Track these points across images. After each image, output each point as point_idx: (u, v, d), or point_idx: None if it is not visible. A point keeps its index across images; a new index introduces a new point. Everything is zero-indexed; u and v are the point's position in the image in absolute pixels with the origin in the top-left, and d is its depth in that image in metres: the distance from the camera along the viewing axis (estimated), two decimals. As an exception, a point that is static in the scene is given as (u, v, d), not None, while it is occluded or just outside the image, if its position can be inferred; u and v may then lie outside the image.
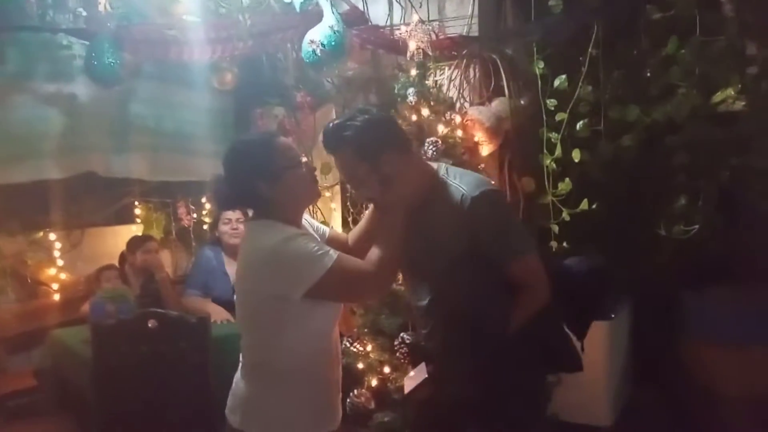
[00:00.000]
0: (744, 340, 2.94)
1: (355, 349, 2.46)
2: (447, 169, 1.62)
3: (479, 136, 2.68)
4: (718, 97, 2.49)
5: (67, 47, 2.91)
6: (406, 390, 1.67)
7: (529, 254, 1.56)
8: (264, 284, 1.46)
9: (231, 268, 3.18)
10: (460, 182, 1.55)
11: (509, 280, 1.53)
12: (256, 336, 1.56)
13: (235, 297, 1.60)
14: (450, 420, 1.62)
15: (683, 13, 2.30)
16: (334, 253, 1.43)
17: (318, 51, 2.52)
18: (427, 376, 1.67)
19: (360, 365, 2.42)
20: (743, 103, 2.55)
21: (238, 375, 1.62)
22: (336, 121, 1.56)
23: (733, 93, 2.49)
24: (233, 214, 3.21)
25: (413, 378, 1.69)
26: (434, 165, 1.65)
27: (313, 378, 1.54)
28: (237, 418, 1.56)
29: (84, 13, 2.86)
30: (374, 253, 1.48)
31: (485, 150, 2.73)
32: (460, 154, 2.48)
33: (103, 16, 2.73)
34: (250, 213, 1.67)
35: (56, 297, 3.57)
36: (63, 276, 3.65)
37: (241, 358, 1.62)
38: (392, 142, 1.56)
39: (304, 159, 1.69)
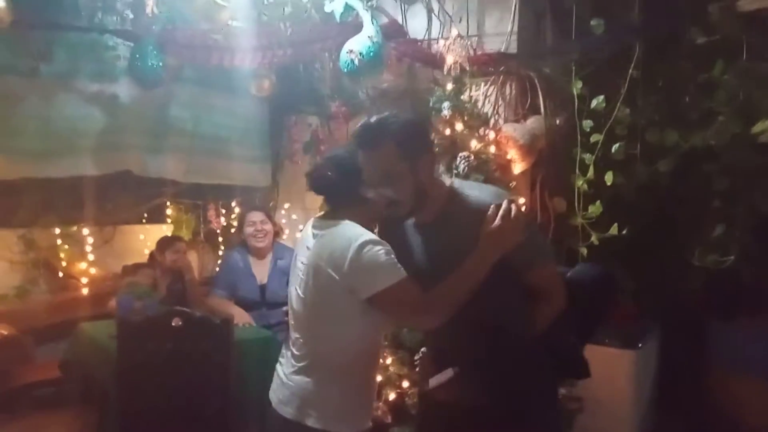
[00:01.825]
0: None
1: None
2: (460, 183, 1.63)
3: (512, 153, 2.66)
4: (758, 126, 2.43)
5: (112, 48, 2.98)
6: (431, 384, 1.65)
7: (549, 262, 1.57)
8: (344, 274, 1.52)
9: (257, 269, 3.25)
10: (479, 193, 1.55)
11: (528, 288, 1.54)
12: (321, 327, 1.62)
13: (294, 289, 1.67)
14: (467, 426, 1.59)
15: (729, 37, 2.26)
16: (404, 271, 1.51)
17: (356, 60, 2.55)
18: (453, 375, 1.64)
19: (378, 378, 2.40)
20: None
21: (285, 369, 1.68)
22: (375, 117, 1.51)
23: (773, 124, 2.43)
24: (258, 216, 3.26)
25: (439, 377, 1.66)
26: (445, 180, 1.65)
27: (365, 375, 1.66)
28: (292, 410, 1.61)
29: (131, 16, 2.94)
30: (441, 287, 1.50)
31: (518, 168, 2.71)
32: (492, 170, 2.46)
33: (148, 20, 2.80)
34: (322, 211, 1.74)
35: (85, 291, 3.64)
36: (93, 271, 3.73)
37: (294, 351, 1.66)
38: (432, 145, 1.59)
39: None
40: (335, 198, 1.69)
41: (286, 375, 1.67)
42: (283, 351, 1.75)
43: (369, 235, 1.55)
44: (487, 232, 1.45)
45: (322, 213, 1.74)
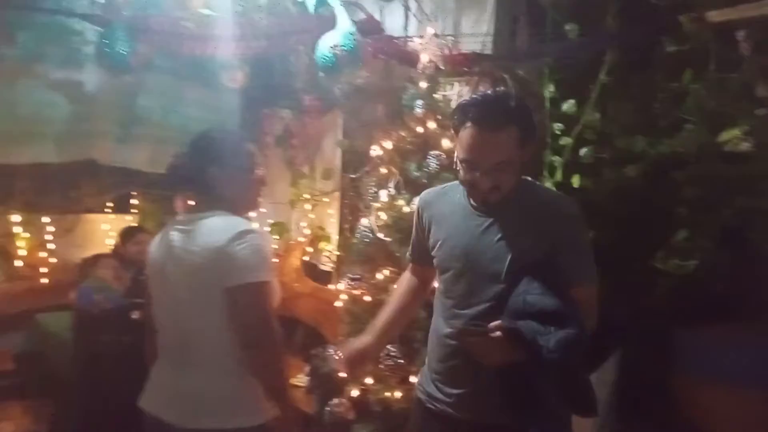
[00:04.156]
0: (736, 381, 2.89)
1: (338, 357, 2.42)
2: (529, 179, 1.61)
3: (484, 154, 2.66)
4: (724, 136, 2.47)
5: (80, 33, 2.90)
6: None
7: (593, 282, 1.50)
8: (216, 260, 1.50)
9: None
10: (549, 193, 1.60)
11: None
12: (200, 321, 1.57)
13: (163, 292, 1.65)
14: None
15: (699, 47, 2.29)
16: (271, 275, 1.53)
17: (337, 51, 2.51)
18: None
19: (341, 374, 2.37)
20: (748, 144, 2.53)
21: (165, 372, 1.63)
22: (494, 93, 1.45)
23: (739, 133, 2.47)
24: None
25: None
26: None
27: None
28: (182, 415, 1.53)
29: (101, 0, 2.86)
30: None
31: (488, 168, 2.70)
32: (463, 169, 2.45)
33: (118, 4, 2.73)
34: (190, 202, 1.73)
35: (44, 281, 3.54)
36: (53, 260, 3.62)
37: (174, 352, 1.61)
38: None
39: (261, 172, 1.71)
40: (203, 189, 1.61)
41: (169, 378, 1.61)
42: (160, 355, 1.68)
43: (249, 225, 1.54)
44: None
45: (189, 209, 1.70)
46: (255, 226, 1.63)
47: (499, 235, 1.48)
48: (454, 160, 1.51)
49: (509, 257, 1.46)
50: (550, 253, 1.44)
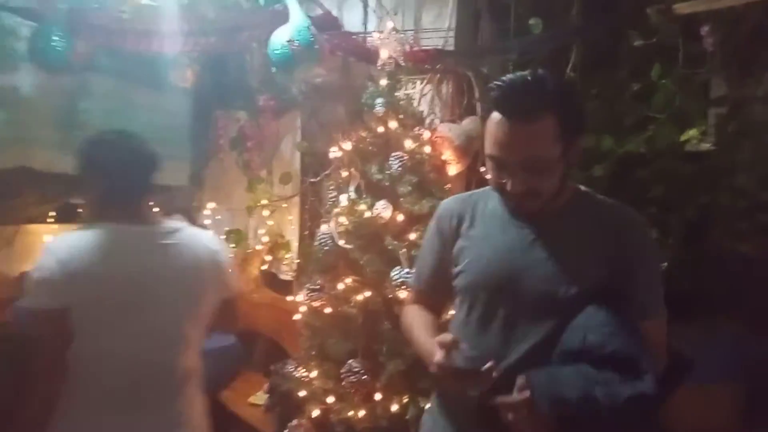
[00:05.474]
0: (704, 379, 2.85)
1: (298, 375, 2.27)
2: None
3: (448, 154, 2.55)
4: (686, 134, 2.43)
5: (12, 30, 2.69)
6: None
7: (665, 316, 1.25)
8: (210, 273, 1.61)
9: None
10: (606, 202, 1.27)
11: None
12: (183, 338, 1.56)
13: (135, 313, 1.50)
14: None
15: (665, 42, 2.22)
16: None
17: (293, 47, 2.36)
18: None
19: (302, 392, 2.22)
20: (707, 144, 2.51)
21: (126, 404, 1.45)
22: (521, 77, 1.14)
23: (697, 134, 2.44)
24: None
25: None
26: None
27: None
28: None
29: (39, -7, 2.65)
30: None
31: (453, 169, 2.59)
32: (427, 171, 2.33)
33: (54, -3, 2.52)
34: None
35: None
36: (-10, 275, 3.36)
37: (144, 380, 1.48)
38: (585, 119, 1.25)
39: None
40: (144, 194, 1.53)
41: (139, 408, 1.44)
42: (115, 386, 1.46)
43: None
44: None
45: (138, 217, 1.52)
46: None
47: (550, 252, 1.21)
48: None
49: (565, 280, 1.18)
50: (615, 279, 1.18)
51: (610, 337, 1.09)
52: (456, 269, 1.32)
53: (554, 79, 1.16)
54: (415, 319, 1.40)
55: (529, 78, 1.14)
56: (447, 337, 1.16)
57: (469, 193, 1.45)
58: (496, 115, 1.16)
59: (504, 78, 1.16)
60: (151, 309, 1.43)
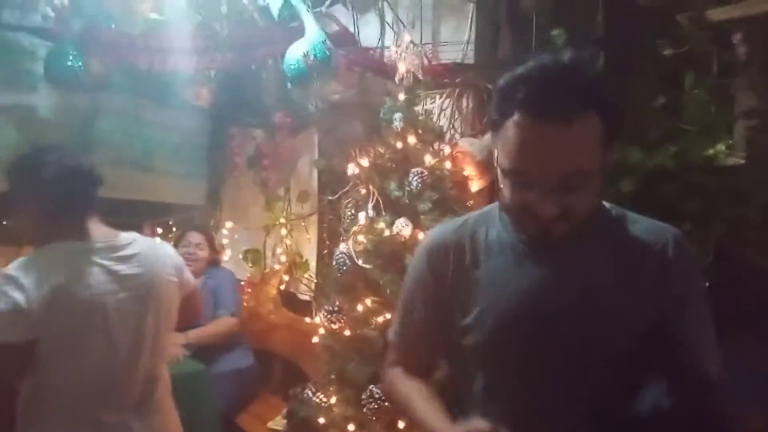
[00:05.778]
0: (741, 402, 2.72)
1: (317, 400, 2.18)
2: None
3: (469, 170, 2.46)
4: (713, 149, 2.33)
5: (29, 51, 2.70)
6: None
7: (716, 352, 1.00)
8: (178, 279, 1.69)
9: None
10: (640, 221, 1.02)
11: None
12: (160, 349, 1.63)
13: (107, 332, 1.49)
14: None
15: (697, 51, 2.12)
16: None
17: (309, 61, 2.32)
18: None
19: (321, 419, 2.13)
20: (735, 158, 2.39)
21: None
22: (551, 62, 0.86)
23: (724, 148, 2.33)
24: (196, 238, 2.98)
25: None
26: None
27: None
28: None
29: (52, 14, 2.66)
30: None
31: (475, 186, 2.50)
32: (448, 188, 2.25)
33: (67, 16, 2.52)
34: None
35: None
36: None
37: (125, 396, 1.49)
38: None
39: None
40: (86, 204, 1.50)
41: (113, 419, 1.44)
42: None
43: None
44: None
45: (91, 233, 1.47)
46: None
47: (583, 287, 0.95)
48: (495, 166, 0.97)
49: (612, 319, 0.93)
50: (663, 314, 0.94)
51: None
52: (463, 322, 1.02)
53: (593, 65, 0.91)
54: (414, 394, 1.08)
55: (559, 66, 0.85)
56: (481, 425, 0.89)
57: (462, 219, 1.12)
58: (519, 118, 0.87)
59: (529, 66, 0.87)
60: (120, 323, 1.43)
